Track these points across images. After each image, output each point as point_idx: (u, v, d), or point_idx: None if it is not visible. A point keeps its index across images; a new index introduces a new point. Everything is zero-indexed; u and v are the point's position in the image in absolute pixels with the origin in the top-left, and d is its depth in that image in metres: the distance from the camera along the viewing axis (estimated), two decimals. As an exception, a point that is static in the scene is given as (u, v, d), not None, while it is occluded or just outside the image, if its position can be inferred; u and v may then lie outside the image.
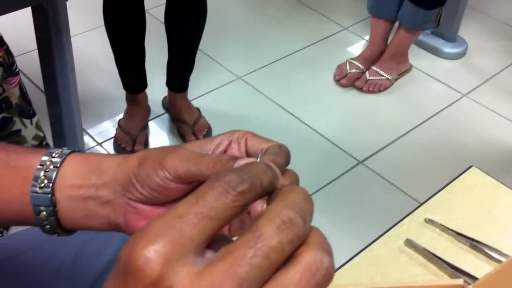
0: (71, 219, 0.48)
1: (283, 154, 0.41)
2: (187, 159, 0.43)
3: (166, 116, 2.10)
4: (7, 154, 0.50)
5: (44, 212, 0.48)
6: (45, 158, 0.48)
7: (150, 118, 2.06)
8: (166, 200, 0.46)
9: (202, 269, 0.26)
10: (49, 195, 0.47)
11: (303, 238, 0.28)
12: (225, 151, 0.46)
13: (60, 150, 0.49)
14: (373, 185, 1.92)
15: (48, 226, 0.49)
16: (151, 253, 0.26)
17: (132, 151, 1.88)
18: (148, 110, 2.04)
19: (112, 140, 1.99)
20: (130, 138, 1.94)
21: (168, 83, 2.00)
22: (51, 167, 0.48)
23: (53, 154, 0.49)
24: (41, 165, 0.48)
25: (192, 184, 0.44)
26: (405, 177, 1.93)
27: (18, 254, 0.76)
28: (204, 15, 1.84)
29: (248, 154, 0.45)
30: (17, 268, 0.75)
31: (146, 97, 2.00)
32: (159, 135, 2.06)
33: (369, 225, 1.69)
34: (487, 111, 2.25)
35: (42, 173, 0.48)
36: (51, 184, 0.47)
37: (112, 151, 1.96)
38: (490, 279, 0.59)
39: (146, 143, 1.98)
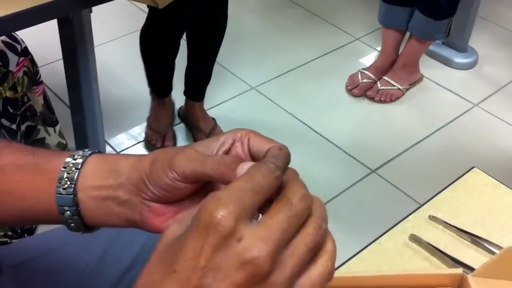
0: (93, 217, 0.51)
1: (282, 157, 0.43)
2: (193, 160, 0.46)
3: (182, 125, 2.15)
4: (35, 157, 0.53)
5: (68, 212, 0.51)
6: (68, 160, 0.51)
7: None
8: (176, 198, 0.49)
9: (258, 225, 0.36)
10: (72, 196, 0.50)
11: (310, 208, 0.39)
12: (229, 149, 0.49)
13: (82, 151, 0.52)
14: (386, 194, 1.93)
15: (73, 225, 0.52)
16: (226, 213, 0.36)
17: (163, 147, 1.97)
18: (172, 109, 2.12)
19: (133, 147, 2.06)
20: (159, 136, 2.03)
21: (186, 92, 2.06)
22: (73, 168, 0.51)
23: (75, 156, 0.52)
24: (64, 167, 0.51)
25: (199, 184, 0.48)
26: (417, 186, 1.94)
27: (48, 253, 0.80)
28: (225, 27, 1.90)
29: (251, 153, 0.48)
30: (47, 266, 0.79)
31: (170, 96, 2.08)
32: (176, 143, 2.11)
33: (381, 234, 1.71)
34: (498, 121, 2.27)
35: (65, 175, 0.51)
36: (73, 185, 0.50)
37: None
38: (487, 268, 0.63)
39: (175, 139, 2.07)
